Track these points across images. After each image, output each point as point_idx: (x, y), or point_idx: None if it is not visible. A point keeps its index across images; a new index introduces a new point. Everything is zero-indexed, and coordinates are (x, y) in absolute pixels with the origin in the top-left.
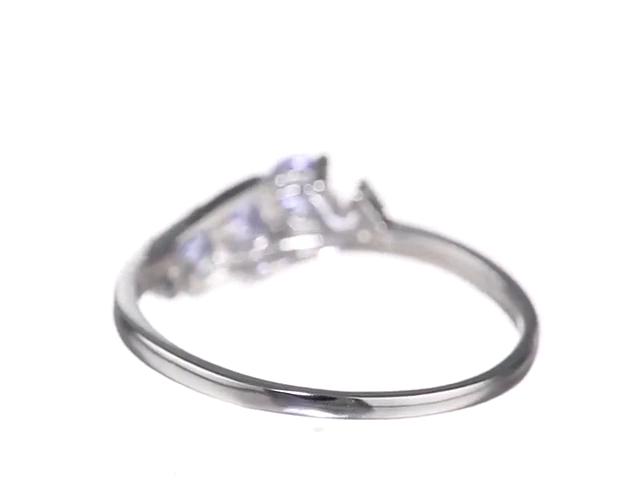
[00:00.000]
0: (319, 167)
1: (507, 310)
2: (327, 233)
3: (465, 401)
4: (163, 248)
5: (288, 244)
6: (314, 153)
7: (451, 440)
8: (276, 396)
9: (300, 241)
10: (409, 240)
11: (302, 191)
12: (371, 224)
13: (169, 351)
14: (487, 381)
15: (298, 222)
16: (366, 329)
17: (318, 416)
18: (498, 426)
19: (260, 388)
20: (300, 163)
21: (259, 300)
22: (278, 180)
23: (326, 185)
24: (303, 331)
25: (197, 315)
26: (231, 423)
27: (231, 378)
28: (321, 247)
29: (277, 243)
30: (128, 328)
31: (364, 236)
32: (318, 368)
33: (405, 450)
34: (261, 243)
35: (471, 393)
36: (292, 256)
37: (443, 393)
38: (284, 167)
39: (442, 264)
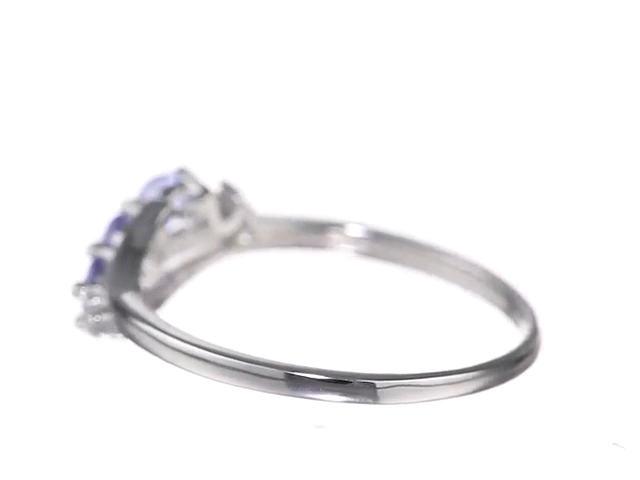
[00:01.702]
0: (190, 180)
1: (505, 309)
2: (218, 241)
3: (471, 386)
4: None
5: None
6: (176, 167)
7: (457, 425)
8: (292, 379)
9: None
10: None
11: (187, 205)
12: (248, 225)
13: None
14: (492, 369)
15: (189, 236)
16: (365, 329)
17: (331, 400)
18: (500, 415)
19: (278, 371)
20: (175, 179)
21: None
22: (170, 201)
23: (206, 195)
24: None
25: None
26: (238, 406)
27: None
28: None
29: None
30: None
31: (245, 238)
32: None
33: (414, 434)
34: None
35: (476, 378)
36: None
37: (450, 377)
38: (163, 186)
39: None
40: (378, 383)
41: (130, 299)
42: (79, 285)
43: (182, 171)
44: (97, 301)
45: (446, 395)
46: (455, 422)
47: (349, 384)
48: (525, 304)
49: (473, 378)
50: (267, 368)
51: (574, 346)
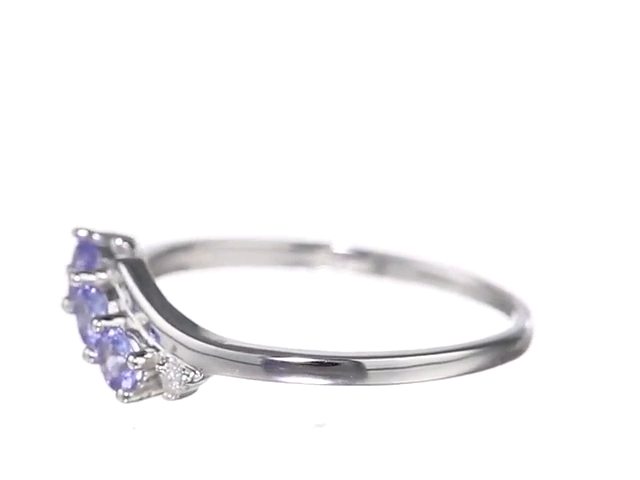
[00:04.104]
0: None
1: (498, 306)
2: None
3: (464, 366)
4: None
5: None
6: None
7: (447, 407)
8: (271, 364)
9: None
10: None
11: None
12: None
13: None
14: (485, 348)
15: None
16: (357, 329)
17: (315, 383)
18: (491, 397)
19: (255, 356)
20: (99, 240)
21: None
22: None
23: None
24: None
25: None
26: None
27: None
28: None
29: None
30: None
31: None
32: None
33: (405, 416)
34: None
35: (467, 358)
36: None
37: (440, 355)
38: (94, 252)
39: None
40: (366, 362)
41: (211, 334)
42: (135, 355)
43: (88, 231)
44: (171, 363)
45: (436, 376)
46: (446, 404)
47: (337, 366)
48: (515, 298)
49: (464, 357)
50: (246, 354)
51: (568, 335)
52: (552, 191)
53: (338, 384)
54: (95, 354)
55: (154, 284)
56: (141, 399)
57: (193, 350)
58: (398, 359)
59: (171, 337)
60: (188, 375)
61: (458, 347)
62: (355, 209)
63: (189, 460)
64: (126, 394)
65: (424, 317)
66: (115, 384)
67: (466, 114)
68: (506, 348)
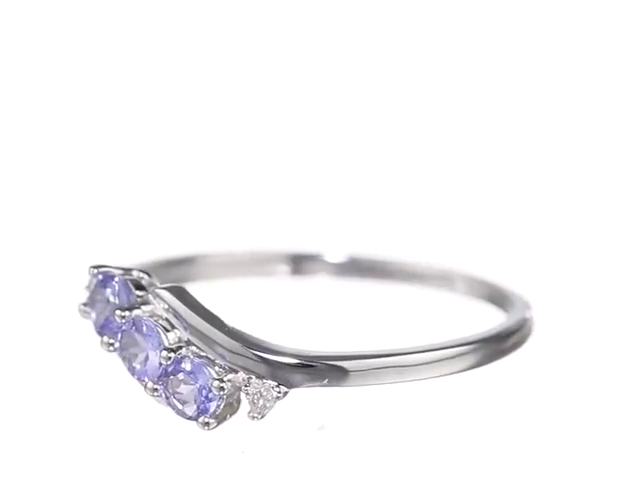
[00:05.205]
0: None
1: (494, 302)
2: None
3: (453, 366)
4: None
5: None
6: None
7: (435, 408)
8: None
9: None
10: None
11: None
12: None
13: None
14: (475, 346)
15: None
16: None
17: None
18: (484, 395)
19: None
20: (123, 274)
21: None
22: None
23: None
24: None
25: None
26: None
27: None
28: None
29: None
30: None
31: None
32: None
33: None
34: None
35: (458, 355)
36: None
37: (428, 354)
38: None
39: None
40: (347, 364)
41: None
42: (220, 381)
43: (100, 266)
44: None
45: (425, 375)
46: (442, 401)
47: (315, 367)
48: (513, 294)
49: (453, 355)
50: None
51: (566, 331)
52: (547, 188)
53: (322, 385)
54: (159, 387)
55: (204, 307)
56: (219, 424)
57: (274, 365)
58: (377, 360)
59: (243, 356)
60: (277, 391)
61: (446, 345)
62: (347, 210)
63: (192, 462)
64: (207, 421)
65: (424, 317)
66: (195, 413)
67: (458, 113)
68: (498, 345)
